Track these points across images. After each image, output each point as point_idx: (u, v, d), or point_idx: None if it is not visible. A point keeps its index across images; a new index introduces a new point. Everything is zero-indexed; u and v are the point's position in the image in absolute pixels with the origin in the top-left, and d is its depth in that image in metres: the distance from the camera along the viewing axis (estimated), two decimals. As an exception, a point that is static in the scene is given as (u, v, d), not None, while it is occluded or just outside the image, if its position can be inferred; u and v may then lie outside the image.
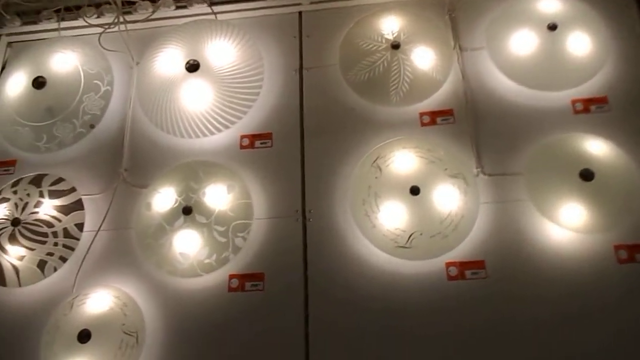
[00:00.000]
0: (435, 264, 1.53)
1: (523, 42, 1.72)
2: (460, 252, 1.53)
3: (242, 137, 1.80)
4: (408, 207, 1.54)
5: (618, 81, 1.68)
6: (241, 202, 1.65)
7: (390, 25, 1.81)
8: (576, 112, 1.66)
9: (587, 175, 1.49)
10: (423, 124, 1.73)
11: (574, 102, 1.67)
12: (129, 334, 1.52)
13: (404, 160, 1.61)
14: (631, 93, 1.66)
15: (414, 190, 1.55)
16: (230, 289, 1.59)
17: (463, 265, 1.52)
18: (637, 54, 1.70)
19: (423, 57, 1.75)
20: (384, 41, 1.78)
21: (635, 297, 1.43)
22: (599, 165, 1.51)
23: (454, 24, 1.85)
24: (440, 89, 1.75)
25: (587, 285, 1.45)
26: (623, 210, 1.48)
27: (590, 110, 1.66)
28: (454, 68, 1.78)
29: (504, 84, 1.73)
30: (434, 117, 1.73)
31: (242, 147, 1.79)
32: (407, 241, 1.52)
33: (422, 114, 1.74)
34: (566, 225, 1.49)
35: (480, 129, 1.69)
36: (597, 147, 1.55)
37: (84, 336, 1.50)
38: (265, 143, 1.78)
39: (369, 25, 1.83)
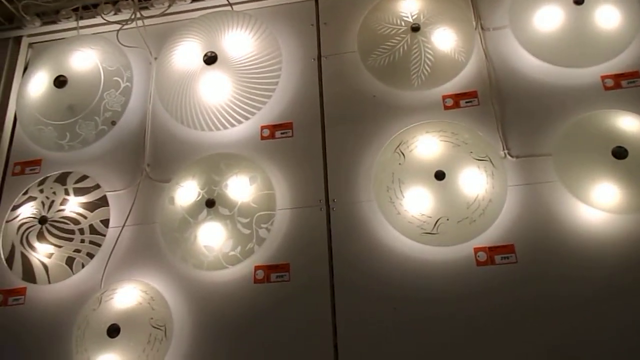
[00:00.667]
0: (463, 250, 1.50)
1: (548, 19, 1.66)
2: (488, 236, 1.49)
3: (263, 127, 1.78)
4: (433, 192, 1.51)
5: (650, 54, 1.61)
6: (264, 193, 1.64)
7: (409, 7, 1.77)
8: (607, 88, 1.60)
9: (620, 153, 1.43)
10: (446, 107, 1.69)
11: (603, 78, 1.61)
12: (158, 328, 1.52)
13: (427, 145, 1.57)
14: (664, 66, 1.59)
15: (439, 175, 1.51)
16: (256, 281, 1.59)
17: (492, 250, 1.48)
18: (670, 24, 1.63)
19: (444, 39, 1.70)
20: (403, 24, 1.74)
21: (674, 278, 1.37)
22: (633, 142, 1.45)
23: (475, 3, 1.80)
24: (463, 71, 1.70)
25: (623, 266, 1.40)
26: (659, 188, 1.42)
27: (622, 86, 1.59)
28: (476, 48, 1.73)
29: (529, 63, 1.68)
30: (457, 100, 1.69)
31: (262, 137, 1.77)
32: (434, 227, 1.49)
33: (445, 97, 1.70)
34: (599, 205, 1.43)
35: (505, 110, 1.64)
36: (630, 124, 1.49)
37: (113, 331, 1.52)
38: (285, 133, 1.76)
39: (387, 9, 1.79)
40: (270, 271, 1.59)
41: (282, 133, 1.77)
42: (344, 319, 1.50)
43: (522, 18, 1.70)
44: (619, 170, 1.43)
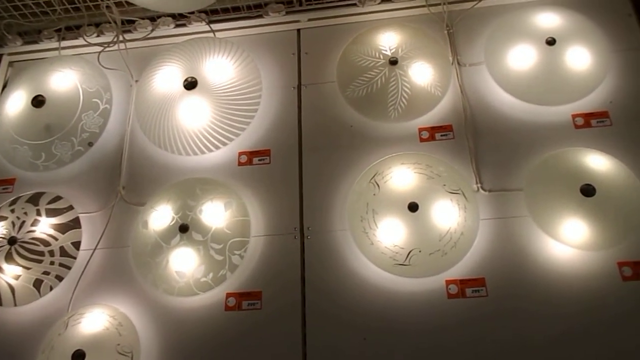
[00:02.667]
0: (435, 282, 1.50)
1: (521, 57, 1.71)
2: (460, 269, 1.50)
3: (240, 153, 1.79)
4: (406, 224, 1.52)
5: (619, 95, 1.66)
6: (238, 220, 1.64)
7: (388, 41, 1.81)
8: (577, 126, 1.64)
9: (588, 190, 1.47)
10: (422, 140, 1.71)
11: (574, 116, 1.65)
12: (124, 354, 1.49)
13: (402, 177, 1.59)
14: (633, 106, 1.64)
15: (412, 207, 1.53)
16: (227, 308, 1.57)
17: (463, 283, 1.49)
18: (638, 66, 1.68)
19: (421, 73, 1.74)
20: (381, 57, 1.77)
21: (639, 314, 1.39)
22: (601, 181, 1.48)
23: (452, 39, 1.85)
24: (439, 105, 1.73)
25: (590, 303, 1.42)
26: (626, 226, 1.45)
27: (591, 125, 1.64)
28: (452, 83, 1.77)
29: (503, 99, 1.72)
30: (433, 133, 1.71)
31: (240, 163, 1.78)
32: (406, 259, 1.50)
33: (421, 130, 1.72)
34: (568, 242, 1.46)
35: (479, 145, 1.68)
36: (598, 162, 1.53)
37: (78, 356, 1.48)
38: (263, 160, 1.77)
39: (367, 42, 1.83)
40: (242, 299, 1.58)
41: (259, 160, 1.77)
42: (315, 348, 1.49)
43: (496, 55, 1.75)
44: (587, 207, 1.46)
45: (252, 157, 1.78)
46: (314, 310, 1.54)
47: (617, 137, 1.61)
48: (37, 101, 1.88)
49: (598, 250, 1.45)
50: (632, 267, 1.43)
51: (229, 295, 1.58)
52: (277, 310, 1.55)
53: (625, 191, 1.48)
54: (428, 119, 1.73)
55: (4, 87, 2.05)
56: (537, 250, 1.49)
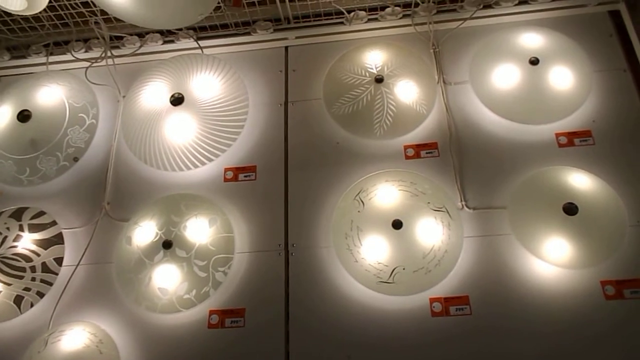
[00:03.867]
0: (418, 300, 1.50)
1: (506, 77, 1.73)
2: (444, 287, 1.50)
3: (226, 169, 1.79)
4: (391, 241, 1.52)
5: (602, 114, 1.68)
6: (223, 236, 1.63)
7: (374, 59, 1.82)
8: (560, 145, 1.66)
9: (570, 209, 1.47)
10: (407, 157, 1.72)
11: (557, 135, 1.67)
12: (104, 373, 1.47)
13: (386, 194, 1.59)
14: (615, 125, 1.66)
15: (397, 224, 1.53)
16: (210, 326, 1.56)
17: (447, 301, 1.49)
18: (621, 85, 1.71)
19: (406, 91, 1.75)
20: (367, 75, 1.79)
21: (622, 334, 1.39)
22: (583, 199, 1.49)
23: (438, 58, 1.86)
24: (424, 122, 1.75)
25: (573, 321, 1.42)
26: (609, 244, 1.46)
27: (574, 144, 1.65)
28: (438, 101, 1.78)
29: (487, 118, 1.73)
30: (418, 150, 1.72)
31: (225, 179, 1.78)
32: (390, 276, 1.49)
33: (406, 147, 1.73)
34: (551, 260, 1.46)
35: (464, 163, 1.68)
36: (581, 181, 1.54)
37: (57, 375, 1.46)
38: (249, 176, 1.77)
39: (353, 59, 1.84)
40: (225, 316, 1.56)
41: (245, 176, 1.77)
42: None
43: (481, 74, 1.76)
44: (570, 226, 1.46)
45: (238, 173, 1.78)
46: (298, 327, 1.53)
47: (600, 156, 1.62)
48: (23, 116, 1.87)
49: (581, 268, 1.45)
50: (615, 286, 1.44)
51: (212, 312, 1.57)
52: (261, 328, 1.54)
53: (608, 210, 1.49)
54: (413, 136, 1.74)
55: (-8, 101, 2.05)
56: (521, 268, 1.49)
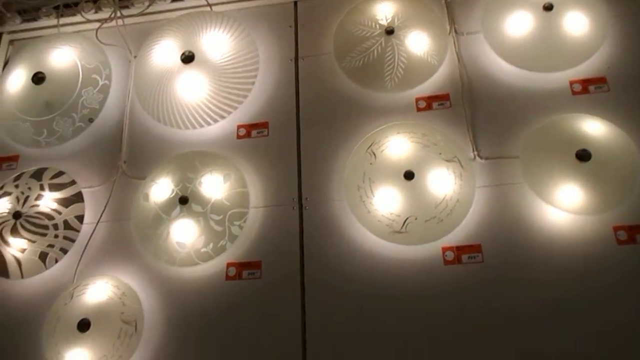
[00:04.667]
0: (431, 249, 1.52)
1: (519, 24, 1.69)
2: (456, 236, 1.52)
3: (239, 126, 1.80)
4: (403, 192, 1.53)
5: (617, 60, 1.65)
6: (237, 191, 1.66)
7: (384, 10, 1.80)
8: (574, 93, 1.63)
9: (583, 155, 1.46)
10: (419, 109, 1.71)
11: (572, 83, 1.65)
12: (128, 323, 1.53)
13: (398, 146, 1.59)
14: (631, 72, 1.63)
15: (408, 175, 1.54)
16: (228, 278, 1.60)
17: (459, 250, 1.51)
18: (637, 31, 1.67)
19: (418, 42, 1.73)
20: (377, 27, 1.77)
21: (635, 279, 1.40)
22: (597, 146, 1.48)
23: (450, 8, 1.83)
24: (435, 74, 1.73)
25: (586, 267, 1.43)
26: (622, 190, 1.46)
27: (589, 91, 1.63)
28: (449, 52, 1.76)
29: (500, 67, 1.71)
30: (430, 102, 1.71)
31: (239, 136, 1.79)
32: (402, 226, 1.51)
33: (418, 99, 1.72)
34: (563, 207, 1.46)
35: (476, 113, 1.67)
36: (595, 127, 1.53)
37: (83, 325, 1.52)
38: (261, 132, 1.78)
39: (363, 12, 1.82)
40: (242, 268, 1.60)
41: (258, 132, 1.79)
42: (313, 315, 1.52)
43: (493, 23, 1.73)
44: (583, 172, 1.46)
45: (250, 130, 1.79)
46: (313, 278, 1.56)
47: (614, 103, 1.60)
48: (37, 78, 1.90)
49: (593, 214, 1.45)
50: (627, 231, 1.44)
51: (229, 265, 1.61)
52: (277, 279, 1.58)
53: (621, 156, 1.48)
54: (425, 88, 1.73)
55: (5, 65, 2.07)
56: (533, 216, 1.50)
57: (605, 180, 1.46)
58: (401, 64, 1.72)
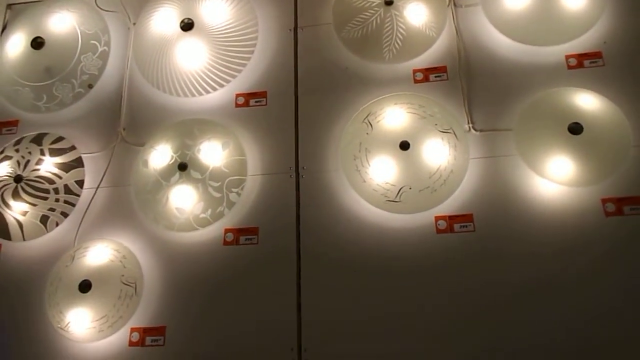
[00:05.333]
0: (424, 218, 1.56)
1: (518, -3, 1.70)
2: (449, 206, 1.56)
3: (238, 95, 1.82)
4: (398, 162, 1.57)
5: (613, 35, 1.66)
6: (235, 159, 1.68)
7: (383, -19, 1.80)
8: (570, 67, 1.65)
9: (575, 129, 1.50)
10: (416, 81, 1.73)
11: (567, 57, 1.66)
12: (128, 285, 1.58)
13: (394, 117, 1.62)
14: (626, 47, 1.65)
15: (404, 145, 1.56)
16: (226, 243, 1.64)
17: (452, 219, 1.55)
18: (633, 7, 1.68)
19: (416, 14, 1.74)
20: (377, -3, 1.78)
21: (621, 250, 1.44)
22: (589, 119, 1.51)
23: (449, -20, 1.83)
24: (433, 46, 1.74)
25: (574, 238, 1.47)
26: (612, 163, 1.49)
27: (584, 65, 1.65)
28: (447, 24, 1.77)
29: (497, 40, 1.72)
30: (427, 74, 1.73)
31: (237, 105, 1.81)
32: (397, 195, 1.55)
33: (415, 71, 1.74)
34: (554, 178, 1.50)
35: (473, 86, 1.69)
36: (588, 101, 1.55)
37: (85, 286, 1.57)
38: (260, 101, 1.80)
39: (363, -18, 1.82)
40: (240, 234, 1.64)
41: (256, 101, 1.81)
42: (309, 281, 1.56)
43: (493, -4, 1.74)
44: (574, 145, 1.49)
45: (249, 99, 1.81)
46: (308, 245, 1.60)
47: (609, 78, 1.62)
48: (37, 43, 1.90)
49: (583, 186, 1.49)
50: (615, 203, 1.48)
51: (227, 230, 1.65)
52: (273, 245, 1.62)
53: (613, 130, 1.51)
54: (422, 60, 1.75)
55: (3, 29, 2.07)
56: (524, 187, 1.54)
57: (596, 153, 1.49)
58: (399, 36, 1.73)
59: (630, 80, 1.61)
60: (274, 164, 1.71)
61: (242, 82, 1.83)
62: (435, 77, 1.72)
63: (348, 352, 1.48)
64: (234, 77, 1.80)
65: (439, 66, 1.73)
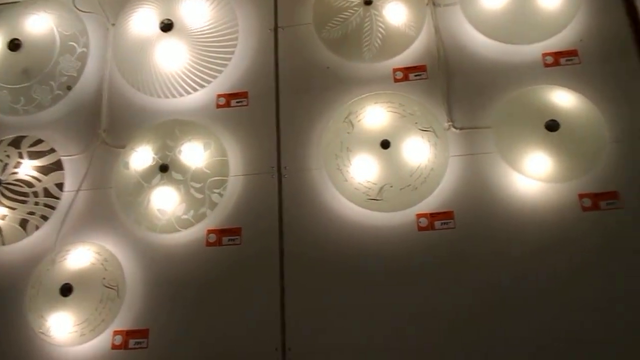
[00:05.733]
0: (406, 216, 1.57)
1: (495, -4, 1.72)
2: (430, 203, 1.57)
3: (219, 96, 1.82)
4: (379, 160, 1.58)
5: (589, 33, 1.69)
6: (217, 160, 1.68)
7: (363, -19, 1.81)
8: (546, 65, 1.68)
9: (552, 126, 1.52)
10: (396, 80, 1.74)
11: (544, 55, 1.69)
12: (110, 287, 1.57)
13: (375, 115, 1.63)
14: (602, 45, 1.68)
15: (385, 144, 1.58)
16: (208, 244, 1.64)
17: (433, 216, 1.57)
18: (608, 5, 1.71)
19: (395, 13, 1.75)
20: (356, -3, 1.78)
21: (598, 244, 1.47)
22: (565, 117, 1.54)
23: (428, -21, 1.85)
24: (413, 45, 1.76)
25: (552, 232, 1.50)
26: (588, 159, 1.52)
27: (560, 63, 1.67)
28: (427, 24, 1.79)
29: (476, 39, 1.74)
30: (407, 73, 1.75)
31: (218, 106, 1.81)
32: (378, 193, 1.56)
33: (395, 70, 1.75)
34: (532, 175, 1.52)
35: (452, 84, 1.71)
36: (565, 99, 1.58)
37: (66, 290, 1.56)
38: (241, 102, 1.80)
39: (342, -18, 1.83)
40: (223, 235, 1.64)
41: (237, 102, 1.80)
42: (292, 281, 1.57)
43: (471, -5, 1.76)
44: (551, 142, 1.52)
45: (230, 99, 1.81)
46: (291, 244, 1.61)
47: (585, 75, 1.64)
48: (14, 44, 1.87)
49: (561, 182, 1.52)
50: (592, 199, 1.51)
51: (209, 231, 1.65)
52: (256, 245, 1.62)
53: (589, 126, 1.54)
54: (403, 59, 1.76)
55: (-20, 31, 2.04)
56: (503, 183, 1.56)
57: (572, 150, 1.52)
58: (379, 35, 1.74)
59: (606, 77, 1.64)
60: (255, 164, 1.72)
61: (223, 82, 1.82)
62: (415, 76, 1.74)
63: (332, 351, 1.48)
64: (214, 77, 1.80)
65: (419, 65, 1.75)
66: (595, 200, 1.50)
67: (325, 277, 1.56)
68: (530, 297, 1.45)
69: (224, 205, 1.66)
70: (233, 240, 1.63)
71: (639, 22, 1.67)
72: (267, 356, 1.50)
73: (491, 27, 1.72)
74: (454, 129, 1.64)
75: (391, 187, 1.55)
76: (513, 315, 1.44)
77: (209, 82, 1.79)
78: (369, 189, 1.57)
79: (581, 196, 1.51)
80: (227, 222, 1.66)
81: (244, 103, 1.80)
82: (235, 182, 1.69)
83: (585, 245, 1.48)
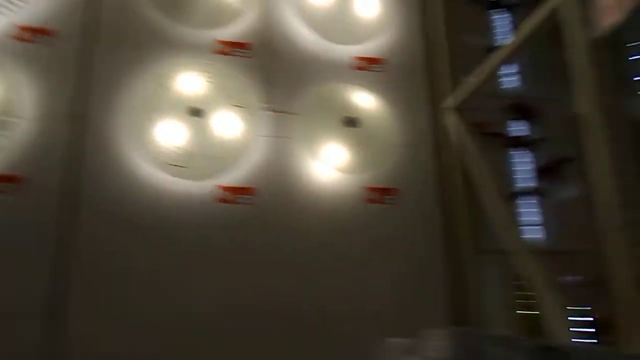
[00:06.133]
0: (207, 186, 1.59)
1: (321, -7, 1.83)
2: (233, 178, 1.62)
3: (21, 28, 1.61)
4: (188, 128, 1.57)
5: (396, 45, 1.90)
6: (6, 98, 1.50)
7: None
8: (357, 68, 1.84)
9: (350, 122, 1.68)
10: (220, 52, 1.74)
11: (355, 58, 1.85)
12: None
13: (190, 83, 1.62)
14: (406, 57, 1.89)
15: (195, 112, 1.57)
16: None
17: (235, 190, 1.61)
18: (415, 25, 1.93)
19: (228, -15, 1.75)
20: (190, -41, 1.74)
21: (379, 233, 1.67)
22: (363, 116, 1.71)
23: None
24: (242, 22, 1.77)
25: (339, 219, 1.66)
26: (378, 156, 1.71)
27: (369, 69, 1.85)
28: (258, 3, 1.81)
29: (301, 31, 1.83)
30: (231, 47, 1.75)
31: (16, 37, 1.60)
32: (183, 160, 1.55)
33: (219, 42, 1.75)
34: (328, 164, 1.67)
35: (273, 68, 1.77)
36: (364, 100, 1.76)
37: None
38: (43, 39, 1.62)
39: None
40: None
41: (38, 37, 1.62)
42: (89, 241, 1.50)
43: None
44: (347, 136, 1.68)
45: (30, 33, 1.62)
46: (90, 205, 1.52)
47: (388, 81, 1.84)
48: None
49: (352, 174, 1.68)
50: (377, 192, 1.70)
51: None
52: (38, 196, 1.50)
53: (383, 127, 1.74)
54: (229, 33, 1.76)
55: None
56: (302, 168, 1.68)
57: (365, 146, 1.70)
58: (210, 3, 1.72)
59: (406, 84, 1.85)
60: (49, 110, 1.56)
61: (27, 14, 1.62)
62: (238, 51, 1.76)
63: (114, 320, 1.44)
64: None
65: (245, 42, 1.77)
66: (380, 194, 1.70)
67: (122, 240, 1.52)
68: (319, 269, 1.61)
69: (8, 150, 1.49)
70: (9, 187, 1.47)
71: (430, 39, 1.91)
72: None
73: (316, 22, 1.83)
74: (266, 110, 1.70)
75: (197, 155, 1.56)
76: (306, 283, 1.58)
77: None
78: (174, 154, 1.54)
79: (368, 189, 1.69)
80: (9, 168, 1.49)
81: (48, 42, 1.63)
82: (25, 127, 1.52)
83: (364, 231, 1.66)
